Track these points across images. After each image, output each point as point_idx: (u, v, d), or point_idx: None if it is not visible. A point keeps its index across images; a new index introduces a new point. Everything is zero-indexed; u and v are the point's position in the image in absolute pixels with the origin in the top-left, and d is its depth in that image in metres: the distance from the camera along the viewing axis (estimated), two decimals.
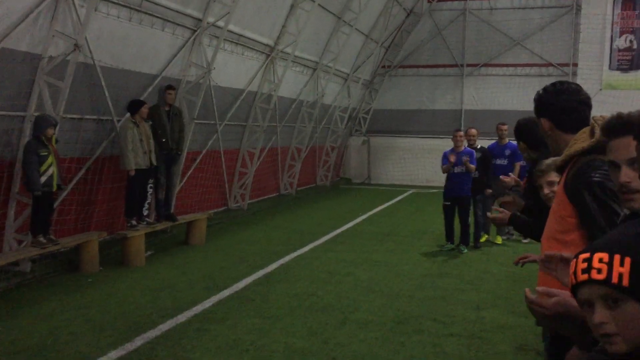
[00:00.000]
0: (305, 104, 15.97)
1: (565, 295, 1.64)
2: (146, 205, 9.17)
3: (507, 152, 10.35)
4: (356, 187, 19.49)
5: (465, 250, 9.73)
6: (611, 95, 17.96)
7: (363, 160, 20.55)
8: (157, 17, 9.22)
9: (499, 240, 10.49)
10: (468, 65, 19.55)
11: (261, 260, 8.89)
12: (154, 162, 8.96)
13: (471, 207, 10.04)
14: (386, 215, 13.74)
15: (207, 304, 6.83)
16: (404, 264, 8.87)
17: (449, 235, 9.92)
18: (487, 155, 10.14)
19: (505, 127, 10.45)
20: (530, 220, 3.68)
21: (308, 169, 17.84)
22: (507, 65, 19.24)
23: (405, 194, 17.51)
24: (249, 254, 9.30)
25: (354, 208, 14.51)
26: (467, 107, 19.67)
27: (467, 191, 9.73)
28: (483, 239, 10.49)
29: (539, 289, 1.72)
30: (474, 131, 10.38)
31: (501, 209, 3.89)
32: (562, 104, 2.83)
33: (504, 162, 10.30)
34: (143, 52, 9.25)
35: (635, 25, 17.81)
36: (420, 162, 19.36)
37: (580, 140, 2.63)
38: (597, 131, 2.54)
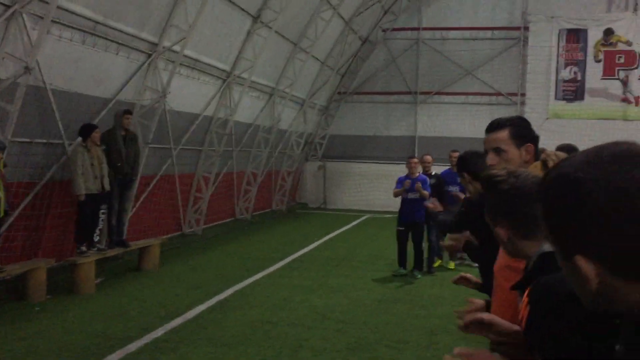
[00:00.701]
0: (262, 129, 16.01)
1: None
2: (97, 231, 8.96)
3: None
4: (312, 211, 19.53)
5: (419, 276, 9.85)
6: (557, 124, 18.67)
7: (319, 185, 20.66)
8: (112, 40, 9.14)
9: (451, 265, 10.66)
10: (421, 93, 20.00)
11: (215, 286, 8.78)
12: (107, 187, 8.79)
13: (425, 233, 10.19)
14: (341, 240, 13.80)
15: (159, 332, 6.70)
16: (358, 289, 8.91)
17: (402, 261, 10.01)
18: (440, 182, 10.32)
19: (457, 154, 10.69)
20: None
21: (264, 193, 17.81)
22: (459, 94, 19.77)
23: (361, 219, 17.65)
24: (203, 281, 9.18)
25: (310, 233, 14.53)
26: (421, 133, 20.07)
27: (420, 217, 9.87)
28: (436, 264, 10.65)
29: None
30: (429, 158, 10.59)
31: (455, 237, 3.97)
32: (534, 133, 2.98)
33: (456, 188, 10.51)
34: (97, 75, 9.13)
35: (579, 57, 18.62)
36: (375, 188, 19.57)
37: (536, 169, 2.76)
38: (551, 165, 2.67)
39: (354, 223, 16.75)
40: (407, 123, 20.28)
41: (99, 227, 8.98)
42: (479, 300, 2.70)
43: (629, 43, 18.17)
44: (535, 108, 18.87)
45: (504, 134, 2.98)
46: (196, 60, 11.70)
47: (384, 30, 20.13)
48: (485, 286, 3.19)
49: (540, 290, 1.64)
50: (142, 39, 9.86)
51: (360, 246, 12.99)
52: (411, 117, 20.22)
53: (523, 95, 19.10)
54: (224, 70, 12.91)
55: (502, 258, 2.90)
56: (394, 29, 20.10)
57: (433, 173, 10.48)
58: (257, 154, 16.33)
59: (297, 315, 7.50)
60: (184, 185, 12.86)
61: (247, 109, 14.68)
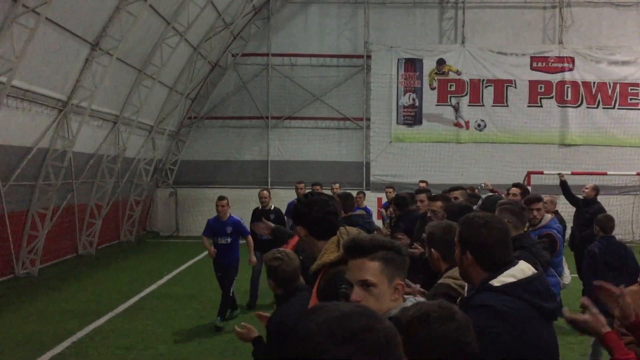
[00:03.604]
0: (106, 159, 15.24)
1: None
2: None
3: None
4: (164, 240, 18.92)
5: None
6: (399, 147, 19.90)
7: (171, 212, 20.09)
8: None
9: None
10: (272, 117, 20.28)
11: (50, 339, 8.14)
12: None
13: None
14: (193, 273, 13.48)
15: None
16: (207, 329, 8.75)
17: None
18: (280, 217, 10.19)
19: (302, 185, 10.97)
20: None
21: (110, 225, 16.93)
22: (308, 119, 20.30)
23: None
24: (35, 334, 8.46)
25: (160, 266, 14.04)
26: (273, 157, 20.32)
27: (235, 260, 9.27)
28: None
29: None
30: (265, 193, 10.37)
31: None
32: (314, 214, 3.10)
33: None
34: None
35: (416, 85, 20.00)
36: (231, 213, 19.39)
37: (329, 251, 2.89)
38: (343, 241, 2.82)
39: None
40: (259, 147, 20.43)
41: None
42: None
43: (458, 72, 19.87)
44: (380, 132, 19.95)
45: None
46: (26, 90, 10.88)
47: (233, 56, 20.18)
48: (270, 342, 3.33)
49: None
50: None
51: (212, 279, 12.69)
52: (263, 141, 20.41)
53: (368, 119, 20.09)
54: (59, 100, 12.13)
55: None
56: (244, 54, 20.23)
57: (272, 207, 10.40)
58: (101, 184, 15.51)
59: None
60: (15, 224, 11.83)
61: (89, 138, 13.91)
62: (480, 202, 7.01)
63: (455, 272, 3.24)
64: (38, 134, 11.80)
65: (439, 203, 5.91)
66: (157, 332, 8.60)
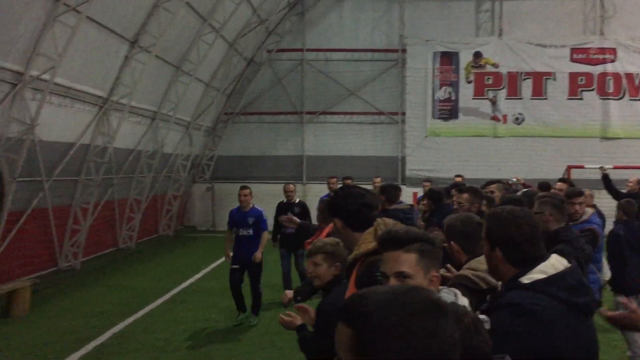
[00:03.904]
0: (145, 154, 15.53)
1: None
2: None
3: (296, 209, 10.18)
4: (201, 234, 19.18)
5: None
6: (435, 141, 19.72)
7: (207, 207, 20.34)
8: None
9: None
10: (307, 112, 20.33)
11: (92, 330, 8.37)
12: None
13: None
14: (229, 267, 13.57)
15: None
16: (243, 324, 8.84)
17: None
18: (305, 210, 10.08)
19: (334, 179, 10.90)
20: None
21: (149, 219, 17.25)
22: (343, 114, 20.30)
23: None
24: (78, 324, 8.71)
25: (197, 260, 14.25)
26: (308, 153, 20.38)
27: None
28: None
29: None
30: (290, 187, 10.33)
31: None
32: (350, 206, 3.11)
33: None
34: None
35: (453, 78, 19.78)
36: (264, 208, 19.51)
37: (366, 242, 2.91)
38: (380, 231, 2.82)
39: None
40: (294, 143, 20.51)
41: None
42: None
43: (495, 65, 19.56)
44: (415, 126, 19.79)
45: None
46: (69, 88, 11.15)
47: (268, 51, 20.28)
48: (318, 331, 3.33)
49: None
50: (6, 69, 9.25)
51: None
52: (298, 136, 20.48)
53: (403, 114, 19.96)
54: (100, 97, 12.40)
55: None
56: (279, 50, 20.32)
57: (297, 201, 10.36)
58: (140, 179, 15.81)
59: (179, 356, 7.32)
60: (59, 218, 12.16)
61: (128, 134, 14.19)
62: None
63: (474, 263, 3.20)
64: (80, 130, 12.09)
65: (465, 195, 5.84)
66: (195, 324, 8.74)
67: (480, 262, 3.11)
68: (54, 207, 11.88)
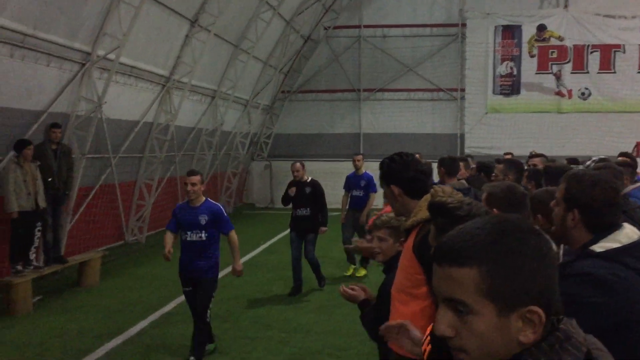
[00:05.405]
0: (205, 132, 15.87)
1: None
2: (33, 249, 8.73)
3: (363, 182, 10.33)
4: (259, 212, 19.51)
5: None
6: (495, 117, 19.25)
7: (265, 184, 20.64)
8: (42, 52, 8.89)
9: (362, 272, 10.25)
10: (364, 90, 20.22)
11: (158, 299, 8.72)
12: (41, 204, 8.57)
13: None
14: (286, 242, 13.71)
15: (99, 352, 6.63)
16: (301, 295, 9.01)
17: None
18: (316, 190, 9.36)
19: (360, 157, 10.65)
20: None
21: (210, 196, 17.48)
22: (401, 90, 20.08)
23: None
24: (146, 293, 9.09)
25: (255, 236, 14.52)
26: (366, 130, 20.31)
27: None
28: (349, 273, 10.31)
29: None
30: (297, 165, 9.37)
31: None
32: (409, 173, 3.10)
33: (359, 193, 10.34)
34: (27, 88, 8.87)
35: (515, 52, 19.19)
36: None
37: (424, 209, 2.89)
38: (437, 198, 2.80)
39: None
40: (351, 120, 20.48)
41: (35, 245, 8.74)
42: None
43: (560, 38, 18.85)
44: (475, 103, 19.37)
45: None
46: (133, 67, 11.50)
47: (325, 29, 20.23)
48: (381, 308, 3.29)
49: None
50: (75, 49, 9.62)
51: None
52: (355, 114, 20.43)
53: (463, 90, 19.55)
54: (162, 76, 12.73)
55: (399, 282, 3.04)
56: (336, 27, 20.23)
57: (309, 179, 9.45)
58: (200, 157, 16.20)
59: (240, 326, 7.55)
60: (125, 193, 12.65)
61: (189, 112, 14.53)
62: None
63: None
64: (143, 108, 12.47)
65: (500, 166, 5.78)
66: (255, 296, 8.97)
67: None
68: (121, 182, 12.35)
